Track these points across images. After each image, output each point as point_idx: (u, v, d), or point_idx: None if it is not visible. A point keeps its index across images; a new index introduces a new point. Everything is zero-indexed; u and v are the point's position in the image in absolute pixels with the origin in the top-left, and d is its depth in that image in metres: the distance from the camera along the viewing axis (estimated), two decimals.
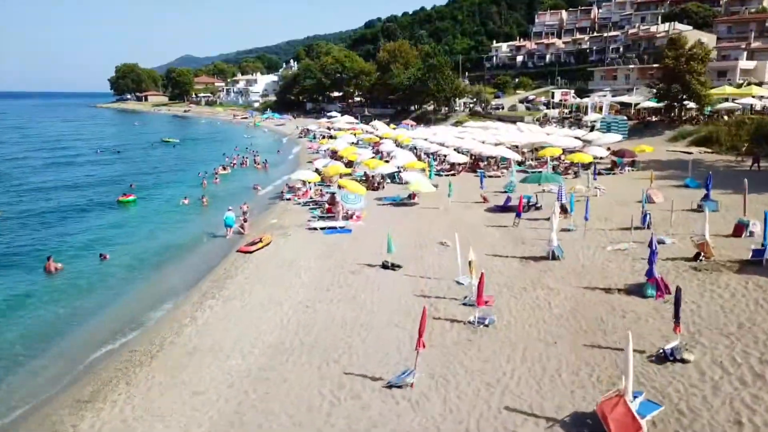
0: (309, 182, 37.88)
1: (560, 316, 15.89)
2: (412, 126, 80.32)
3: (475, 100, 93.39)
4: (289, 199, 36.07)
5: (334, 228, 27.47)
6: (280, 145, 77.16)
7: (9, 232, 29.30)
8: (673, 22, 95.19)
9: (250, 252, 24.20)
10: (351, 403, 12.06)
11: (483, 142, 51.73)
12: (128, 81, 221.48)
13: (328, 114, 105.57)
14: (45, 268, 22.72)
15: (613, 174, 39.28)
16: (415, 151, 53.18)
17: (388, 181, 40.57)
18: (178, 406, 12.41)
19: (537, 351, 13.88)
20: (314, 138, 78.09)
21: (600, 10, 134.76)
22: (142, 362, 14.55)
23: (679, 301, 12.98)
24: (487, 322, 15.51)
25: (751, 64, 69.97)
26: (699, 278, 17.63)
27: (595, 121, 62.40)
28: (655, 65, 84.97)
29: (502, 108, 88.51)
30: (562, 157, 43.64)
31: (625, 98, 70.06)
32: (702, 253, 19.03)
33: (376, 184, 38.86)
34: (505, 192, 34.60)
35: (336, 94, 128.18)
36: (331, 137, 70.85)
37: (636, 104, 65.20)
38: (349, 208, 28.99)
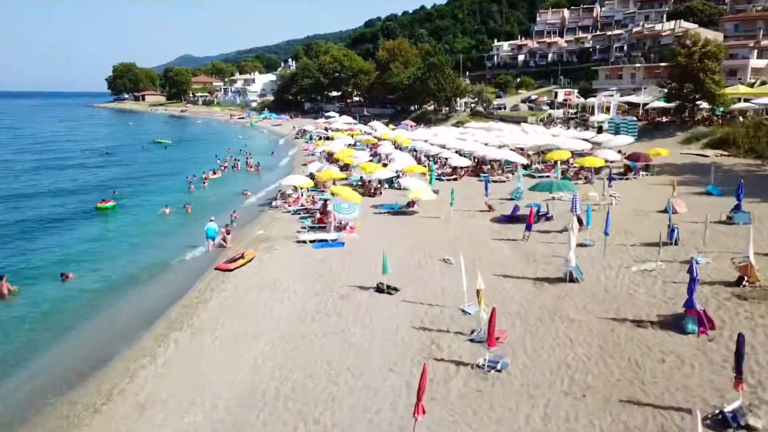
0: (301, 188, 35.40)
1: (586, 357, 13.35)
2: (411, 127, 77.85)
3: (476, 99, 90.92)
4: (278, 207, 33.54)
5: (325, 241, 24.93)
6: (276, 146, 74.64)
7: None
8: (678, 20, 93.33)
9: (230, 270, 21.66)
10: None
11: (486, 144, 49.30)
12: (125, 81, 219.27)
13: (326, 114, 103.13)
14: None
15: (626, 179, 36.71)
16: (414, 153, 50.73)
17: (386, 186, 38.06)
18: None
19: (562, 407, 11.35)
20: (311, 139, 75.61)
21: (603, 9, 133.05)
22: (80, 421, 11.99)
23: (742, 352, 10.45)
24: (499, 367, 12.98)
25: (761, 63, 67.47)
26: (746, 309, 15.08)
27: (602, 122, 59.92)
28: (662, 64, 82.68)
29: (504, 108, 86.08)
30: (571, 161, 41.10)
31: (632, 98, 67.50)
32: (746, 277, 16.49)
33: (372, 190, 36.33)
34: (512, 199, 32.10)
35: (335, 93, 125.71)
36: (328, 138, 68.38)
37: (645, 104, 62.60)
38: (341, 218, 26.43)
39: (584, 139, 46.05)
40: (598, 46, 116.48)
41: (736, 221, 23.32)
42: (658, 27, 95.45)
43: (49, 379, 14.42)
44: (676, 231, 20.79)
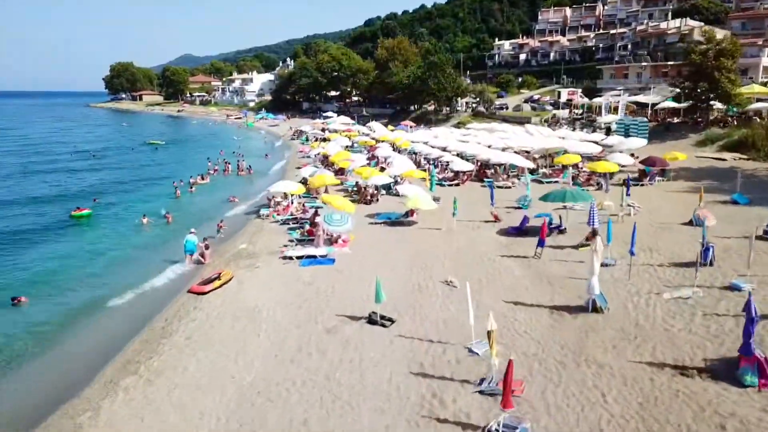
0: (291, 195, 32.87)
1: (624, 419, 10.80)
2: (411, 127, 75.33)
3: (477, 99, 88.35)
4: (267, 216, 31.00)
5: (314, 257, 22.39)
6: (271, 148, 71.98)
7: None
8: (684, 18, 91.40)
9: (204, 293, 19.13)
10: None
11: (489, 147, 46.74)
12: (122, 80, 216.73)
13: (324, 114, 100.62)
14: None
15: (641, 185, 34.14)
16: (414, 156, 48.21)
17: (383, 192, 35.53)
18: None
19: None
20: (307, 140, 73.07)
21: (605, 7, 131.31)
22: None
23: None
24: None
25: None
26: None
27: (609, 123, 57.36)
28: (669, 63, 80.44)
29: (506, 108, 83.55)
30: (581, 166, 38.55)
31: (640, 98, 64.90)
32: None
33: (369, 197, 33.81)
34: (519, 208, 29.57)
35: (333, 93, 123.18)
36: (324, 140, 65.88)
37: (654, 104, 59.97)
38: (332, 231, 23.89)
39: (594, 142, 43.47)
40: (601, 45, 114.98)
41: None
42: (663, 25, 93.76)
43: None
44: (711, 250, 18.20)
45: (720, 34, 58.45)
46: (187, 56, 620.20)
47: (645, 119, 51.57)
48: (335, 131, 73.84)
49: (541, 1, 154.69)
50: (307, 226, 25.92)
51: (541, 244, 21.07)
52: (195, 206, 36.54)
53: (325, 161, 48.21)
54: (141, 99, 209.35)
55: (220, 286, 19.61)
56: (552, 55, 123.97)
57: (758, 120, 47.74)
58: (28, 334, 16.86)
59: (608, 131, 54.51)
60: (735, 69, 48.10)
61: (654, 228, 23.61)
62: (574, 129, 61.15)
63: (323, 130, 78.25)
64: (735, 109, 51.14)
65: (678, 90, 54.10)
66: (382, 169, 41.10)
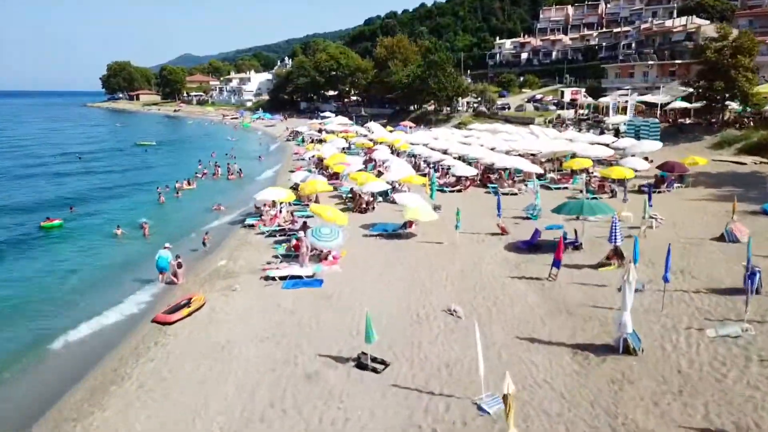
0: (280, 202, 30.34)
1: None
2: (410, 128, 72.80)
3: (479, 99, 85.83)
4: (252, 226, 28.46)
5: (299, 278, 19.85)
6: (266, 150, 69.40)
7: None
8: (690, 16, 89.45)
9: (170, 323, 16.60)
10: None
11: (493, 150, 44.24)
12: (119, 80, 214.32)
13: (322, 114, 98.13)
14: None
15: (658, 192, 31.51)
16: (413, 159, 45.70)
17: (380, 199, 32.99)
18: None
19: None
20: (302, 141, 70.52)
21: (608, 5, 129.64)
22: None
23: None
24: None
25: None
26: None
27: (618, 124, 54.83)
28: (677, 61, 78.03)
29: (509, 108, 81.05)
30: (592, 171, 36.00)
31: (649, 98, 62.33)
32: None
33: (364, 205, 31.26)
34: (528, 218, 27.05)
35: (332, 93, 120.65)
36: (320, 141, 63.36)
37: (665, 104, 57.40)
38: (321, 247, 21.34)
39: (604, 144, 40.91)
40: (604, 44, 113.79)
41: None
42: (668, 23, 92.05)
43: None
44: (758, 275, 15.60)
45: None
46: (187, 56, 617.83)
47: (656, 120, 48.94)
48: (332, 132, 71.37)
49: (542, 0, 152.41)
50: (294, 240, 23.30)
51: (556, 264, 18.51)
52: (178, 214, 34.04)
53: (320, 164, 45.72)
54: (138, 99, 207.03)
55: (189, 314, 17.06)
56: (554, 54, 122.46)
57: None
58: None
59: (616, 133, 52.01)
60: (753, 67, 45.54)
61: (682, 244, 21.02)
62: (580, 130, 58.67)
63: (320, 130, 75.80)
64: (749, 109, 48.66)
65: (689, 90, 51.68)
66: (380, 174, 38.64)
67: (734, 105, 48.89)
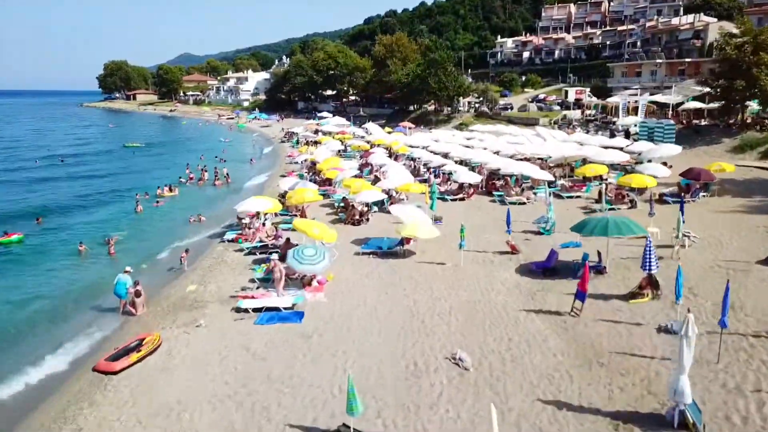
0: (265, 214, 27.43)
1: None
2: (409, 129, 69.81)
3: (480, 99, 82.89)
4: (232, 241, 25.52)
5: (276, 310, 16.90)
6: (259, 152, 66.37)
7: None
8: (698, 14, 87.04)
9: (113, 372, 13.66)
10: None
11: (497, 153, 41.32)
12: (116, 79, 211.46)
13: (319, 114, 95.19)
14: None
15: (684, 203, 28.41)
16: (412, 163, 42.78)
17: (375, 209, 30.06)
18: None
19: None
20: (297, 143, 67.54)
21: (611, 3, 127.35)
22: None
23: None
24: None
25: None
26: None
27: (628, 126, 51.91)
28: (686, 60, 75.16)
29: (511, 108, 78.25)
30: (606, 177, 33.03)
31: (659, 97, 59.39)
32: None
33: (357, 216, 28.31)
34: (540, 233, 24.10)
35: (330, 92, 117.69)
36: (316, 143, 60.40)
37: (677, 104, 54.43)
38: (303, 271, 18.36)
39: (618, 148, 37.92)
40: (608, 42, 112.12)
41: None
42: (675, 21, 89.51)
43: None
44: None
45: (735, 30, 53.01)
46: (187, 55, 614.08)
47: (671, 122, 45.93)
48: (328, 133, 68.42)
49: None
50: (273, 260, 19.97)
51: (580, 297, 15.53)
52: (155, 226, 31.03)
53: (313, 168, 42.81)
54: (134, 98, 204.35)
55: (139, 360, 14.11)
56: (556, 53, 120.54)
57: None
58: None
59: (627, 135, 49.08)
60: None
61: (724, 270, 18.00)
62: (587, 131, 55.83)
63: (316, 131, 72.88)
64: (759, 109, 45.86)
65: (702, 89, 48.77)
66: (376, 179, 35.73)
67: (753, 105, 45.96)
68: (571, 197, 31.27)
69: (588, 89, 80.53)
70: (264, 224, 26.46)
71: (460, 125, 71.31)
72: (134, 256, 24.26)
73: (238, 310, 17.01)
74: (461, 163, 40.08)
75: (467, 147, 45.61)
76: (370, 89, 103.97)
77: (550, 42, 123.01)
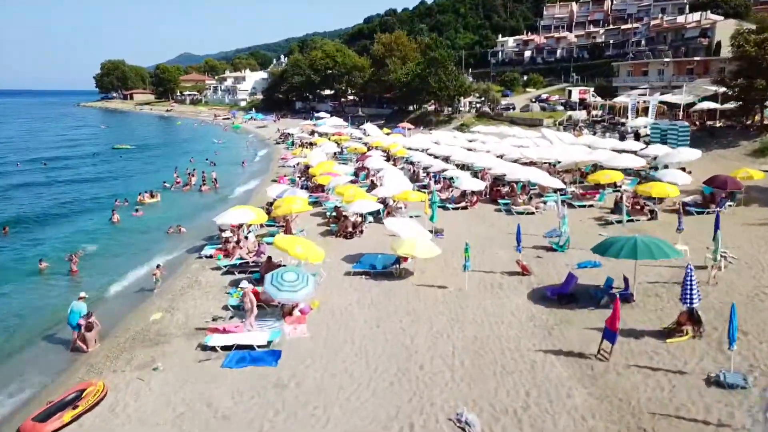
0: (248, 226, 24.95)
1: None
2: (409, 130, 67.25)
3: (482, 99, 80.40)
4: (210, 257, 23.00)
5: (250, 349, 14.36)
6: (253, 154, 63.79)
7: None
8: (705, 12, 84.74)
9: None
10: None
11: (502, 157, 38.83)
12: (113, 78, 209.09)
13: (317, 114, 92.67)
14: None
15: (707, 213, 25.95)
16: (411, 168, 40.30)
17: (370, 220, 27.54)
18: None
19: None
20: (292, 145, 65.03)
21: (614, 2, 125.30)
22: None
23: None
24: None
25: None
26: None
27: (638, 127, 49.38)
28: (695, 58, 72.63)
29: (513, 108, 75.82)
30: (620, 184, 30.50)
31: (669, 97, 56.87)
32: None
33: (350, 228, 25.78)
34: (554, 250, 21.57)
35: (328, 92, 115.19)
36: (311, 144, 57.90)
37: (689, 105, 51.88)
38: (283, 300, 15.84)
39: (632, 152, 35.38)
40: (611, 41, 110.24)
41: None
42: (680, 19, 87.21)
43: None
44: None
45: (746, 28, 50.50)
46: (187, 55, 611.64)
47: (686, 123, 43.36)
48: (324, 134, 65.90)
49: None
50: (243, 289, 17.16)
51: (610, 338, 12.97)
52: (131, 238, 28.43)
53: (306, 173, 40.31)
54: (131, 98, 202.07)
55: (74, 419, 11.55)
56: (559, 52, 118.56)
57: None
58: None
59: (636, 137, 46.56)
60: None
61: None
62: (594, 133, 53.33)
63: (312, 132, 70.37)
64: None
65: (715, 89, 46.24)
66: (373, 185, 33.24)
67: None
68: (583, 206, 28.71)
69: (592, 89, 78.11)
70: (247, 237, 23.92)
71: (461, 126, 68.86)
72: (100, 276, 21.84)
73: (204, 348, 14.49)
74: (463, 167, 37.62)
75: (469, 150, 43.13)
76: (369, 89, 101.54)
77: (552, 41, 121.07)
